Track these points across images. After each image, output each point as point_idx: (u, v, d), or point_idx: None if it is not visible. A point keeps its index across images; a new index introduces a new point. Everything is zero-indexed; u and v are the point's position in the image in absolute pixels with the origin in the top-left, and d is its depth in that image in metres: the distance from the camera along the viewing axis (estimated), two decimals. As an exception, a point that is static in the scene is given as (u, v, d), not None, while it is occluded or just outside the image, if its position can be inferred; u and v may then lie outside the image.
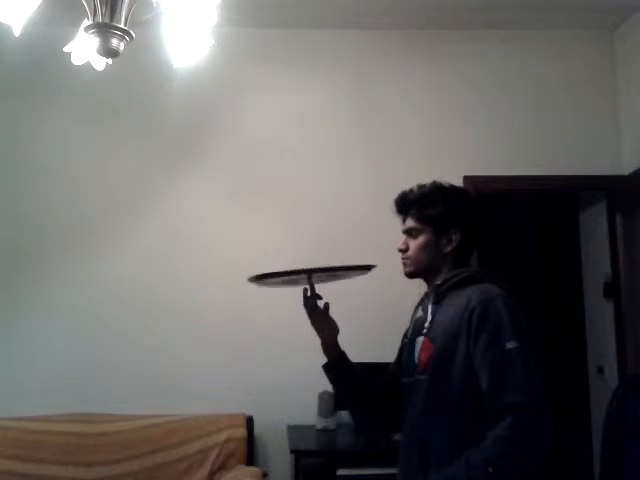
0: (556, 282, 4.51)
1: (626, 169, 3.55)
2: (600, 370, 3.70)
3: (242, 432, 3.09)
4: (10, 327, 3.34)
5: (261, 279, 1.71)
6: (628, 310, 3.42)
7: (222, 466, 3.00)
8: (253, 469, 2.96)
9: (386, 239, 3.22)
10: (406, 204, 1.73)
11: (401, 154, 3.57)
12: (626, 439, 1.79)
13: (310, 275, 1.70)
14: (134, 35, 1.64)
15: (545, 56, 3.68)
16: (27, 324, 3.34)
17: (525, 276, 4.59)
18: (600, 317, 3.75)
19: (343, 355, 1.78)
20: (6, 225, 3.42)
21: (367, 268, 1.71)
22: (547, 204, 4.61)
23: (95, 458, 2.97)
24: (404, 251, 1.71)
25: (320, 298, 1.75)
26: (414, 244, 1.69)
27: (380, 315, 3.26)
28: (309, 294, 1.74)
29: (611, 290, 3.57)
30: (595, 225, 3.79)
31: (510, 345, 1.47)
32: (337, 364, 1.77)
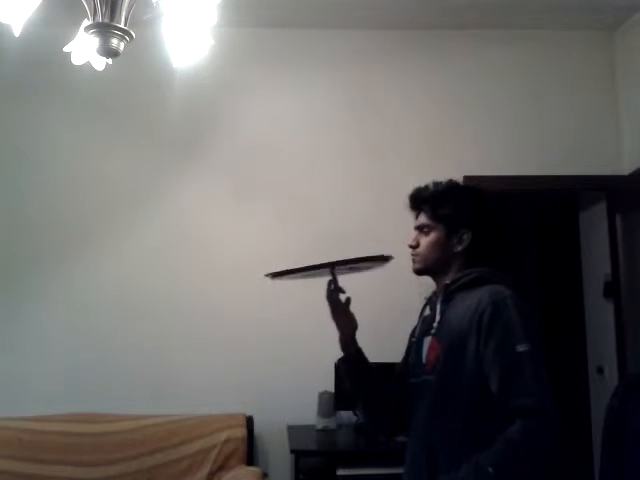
0: (556, 282, 4.51)
1: (626, 169, 3.55)
2: (600, 370, 3.70)
3: (242, 432, 3.08)
4: (10, 327, 3.34)
5: (282, 275, 1.69)
6: (628, 310, 3.42)
7: (222, 466, 3.00)
8: (253, 469, 2.96)
9: (386, 239, 3.23)
10: (420, 200, 1.73)
11: (401, 154, 3.57)
12: (626, 439, 1.79)
13: (333, 268, 1.69)
14: (134, 35, 1.64)
15: (545, 56, 3.68)
16: (27, 324, 3.34)
17: (525, 276, 4.58)
18: (600, 317, 3.75)
19: (360, 351, 1.77)
20: (6, 225, 3.42)
21: (386, 259, 1.68)
22: (547, 204, 4.60)
23: (95, 458, 2.97)
24: (414, 247, 1.71)
25: (343, 292, 1.73)
26: (425, 241, 1.69)
27: (380, 315, 3.26)
28: (332, 287, 1.72)
29: (611, 290, 3.57)
30: (595, 225, 3.79)
31: (521, 348, 1.46)
32: (353, 359, 1.76)
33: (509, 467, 1.39)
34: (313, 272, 1.69)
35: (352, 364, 1.77)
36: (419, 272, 1.72)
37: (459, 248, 1.67)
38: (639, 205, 3.34)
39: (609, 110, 3.65)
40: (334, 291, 1.73)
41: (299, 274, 1.69)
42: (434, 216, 1.68)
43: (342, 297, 1.74)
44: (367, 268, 1.80)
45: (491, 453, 1.41)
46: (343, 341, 1.76)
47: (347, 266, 1.70)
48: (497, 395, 1.46)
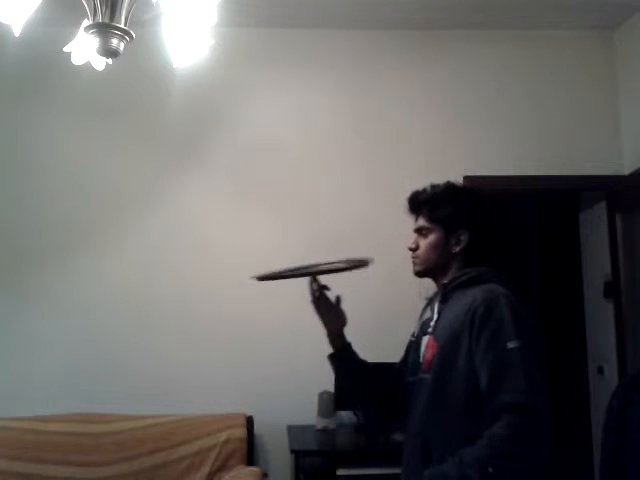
0: (556, 282, 4.51)
1: (626, 169, 3.55)
2: (600, 370, 3.70)
3: (242, 432, 3.09)
4: (10, 327, 3.34)
5: (265, 279, 1.73)
6: (628, 310, 3.42)
7: (222, 466, 3.00)
8: (253, 469, 2.96)
9: (386, 239, 3.24)
10: (418, 203, 1.74)
11: (401, 154, 3.57)
12: (626, 439, 1.79)
13: (312, 273, 1.72)
14: (134, 35, 1.64)
15: (545, 56, 3.68)
16: (27, 324, 3.34)
17: (525, 276, 4.58)
18: (600, 317, 3.75)
19: (348, 346, 1.78)
20: (6, 225, 3.42)
21: (365, 264, 1.71)
22: (547, 204, 4.60)
23: (95, 458, 2.97)
24: (414, 250, 1.72)
25: (328, 289, 1.75)
26: (424, 243, 1.70)
27: (380, 315, 3.27)
28: (315, 286, 1.74)
29: (611, 290, 3.57)
30: (595, 225, 3.79)
31: (511, 345, 1.47)
32: (341, 355, 1.77)
33: (493, 462, 1.40)
34: (299, 274, 1.72)
35: (341, 360, 1.78)
36: (420, 274, 1.73)
37: (457, 249, 1.68)
38: (639, 205, 3.34)
39: (609, 110, 3.65)
40: (318, 290, 1.74)
41: (285, 277, 1.72)
42: (432, 218, 1.70)
43: (331, 294, 1.75)
44: (348, 269, 1.81)
45: (476, 448, 1.42)
46: (331, 337, 1.77)
47: (327, 267, 1.72)
48: (486, 392, 1.47)
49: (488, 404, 1.46)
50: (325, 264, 1.71)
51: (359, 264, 1.71)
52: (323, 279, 1.75)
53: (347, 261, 1.71)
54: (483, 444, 1.42)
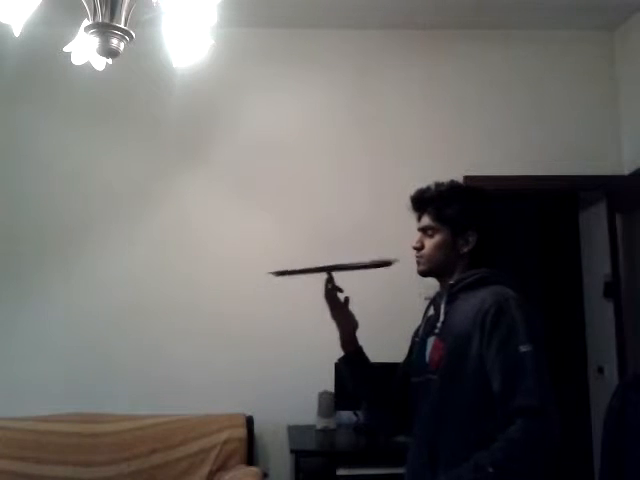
0: (556, 282, 4.51)
1: (626, 169, 3.55)
2: (600, 370, 3.70)
3: (242, 432, 3.09)
4: (10, 327, 3.34)
5: (282, 274, 1.72)
6: (628, 310, 3.42)
7: (222, 466, 3.00)
8: (253, 469, 2.96)
9: (386, 238, 3.23)
10: (423, 202, 1.71)
11: (401, 154, 3.57)
12: (626, 439, 1.79)
13: (330, 272, 1.71)
14: (134, 35, 1.64)
15: (545, 56, 3.68)
16: (27, 324, 3.34)
17: (525, 276, 4.58)
18: (600, 317, 3.75)
19: (360, 350, 1.78)
20: (6, 225, 3.42)
21: (389, 263, 1.68)
22: (547, 204, 4.60)
23: (95, 458, 2.97)
24: (419, 249, 1.69)
25: (341, 291, 1.74)
26: (430, 243, 1.67)
27: (380, 315, 3.26)
28: (330, 286, 1.73)
29: (611, 290, 3.57)
30: (595, 225, 3.79)
31: (524, 348, 1.46)
32: (354, 358, 1.76)
33: (508, 466, 1.39)
34: (314, 269, 1.70)
35: (353, 363, 1.77)
36: (424, 274, 1.71)
37: (465, 249, 1.66)
38: (639, 205, 3.34)
39: (609, 110, 3.65)
40: (332, 290, 1.73)
41: (301, 272, 1.70)
42: (439, 218, 1.66)
43: (341, 296, 1.74)
44: (366, 267, 1.79)
45: (491, 452, 1.40)
46: (343, 340, 1.76)
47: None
48: (498, 394, 1.46)
49: (501, 407, 1.45)
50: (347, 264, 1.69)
51: (381, 264, 1.67)
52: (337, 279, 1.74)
53: (371, 262, 1.68)
54: (499, 448, 1.41)
